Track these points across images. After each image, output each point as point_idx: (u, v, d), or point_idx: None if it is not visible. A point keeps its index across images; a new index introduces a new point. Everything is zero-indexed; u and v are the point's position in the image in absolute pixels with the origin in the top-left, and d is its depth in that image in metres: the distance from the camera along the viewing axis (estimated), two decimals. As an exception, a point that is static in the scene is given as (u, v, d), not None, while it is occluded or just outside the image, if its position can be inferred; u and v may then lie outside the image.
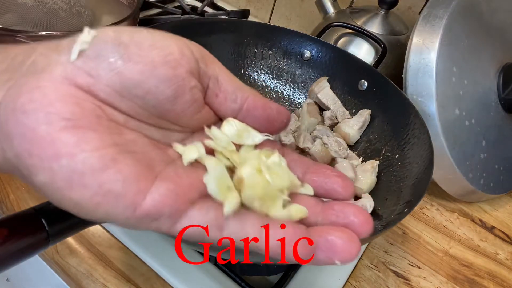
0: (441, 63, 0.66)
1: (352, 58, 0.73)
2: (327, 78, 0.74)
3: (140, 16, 0.86)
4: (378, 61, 0.81)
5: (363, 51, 0.87)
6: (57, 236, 0.37)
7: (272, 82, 0.80)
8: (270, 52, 0.79)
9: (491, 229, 0.75)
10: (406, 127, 0.62)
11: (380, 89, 0.69)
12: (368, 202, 0.55)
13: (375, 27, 0.88)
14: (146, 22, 0.96)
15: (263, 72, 0.80)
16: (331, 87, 0.73)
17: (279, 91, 0.80)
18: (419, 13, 0.72)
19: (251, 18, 1.17)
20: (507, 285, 0.65)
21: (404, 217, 0.48)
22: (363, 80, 0.71)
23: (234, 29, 0.76)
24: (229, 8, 1.21)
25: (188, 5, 1.12)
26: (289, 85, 0.80)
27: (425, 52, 0.67)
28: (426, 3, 0.73)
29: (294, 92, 0.80)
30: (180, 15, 1.05)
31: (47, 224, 0.36)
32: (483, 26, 0.74)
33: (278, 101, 0.79)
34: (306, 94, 0.78)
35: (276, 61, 0.79)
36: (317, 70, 0.77)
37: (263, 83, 0.80)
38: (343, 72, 0.74)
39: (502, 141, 0.74)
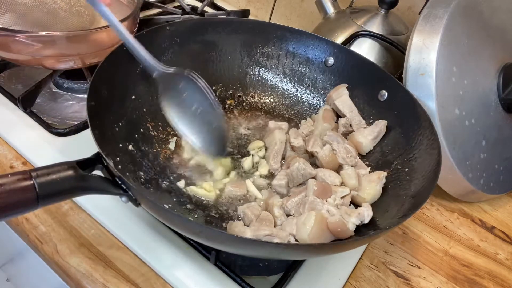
0: (441, 63, 0.66)
1: (376, 68, 0.72)
2: (347, 85, 0.72)
3: (140, 16, 0.86)
4: (401, 73, 0.78)
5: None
6: (46, 198, 0.40)
7: (292, 86, 0.80)
8: (293, 56, 0.78)
9: (491, 229, 0.75)
10: (420, 143, 0.61)
11: (399, 101, 0.67)
12: (366, 212, 0.54)
13: (375, 27, 0.88)
14: (146, 22, 0.96)
15: (284, 76, 0.79)
16: (352, 95, 0.72)
17: (299, 95, 0.79)
18: (419, 13, 0.72)
19: (251, 18, 1.17)
20: (507, 285, 0.65)
21: (402, 222, 0.48)
22: (383, 91, 0.70)
23: (259, 31, 0.76)
24: (229, 8, 1.21)
25: (188, 5, 1.12)
26: (310, 90, 0.79)
27: (425, 52, 0.67)
28: (426, 3, 0.73)
29: (313, 98, 0.79)
30: (180, 15, 1.05)
31: (38, 186, 0.39)
32: (483, 26, 0.74)
33: (297, 105, 0.79)
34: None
35: (299, 66, 0.79)
36: (340, 77, 0.76)
37: (283, 87, 0.80)
38: (365, 81, 0.73)
39: (502, 141, 0.74)
